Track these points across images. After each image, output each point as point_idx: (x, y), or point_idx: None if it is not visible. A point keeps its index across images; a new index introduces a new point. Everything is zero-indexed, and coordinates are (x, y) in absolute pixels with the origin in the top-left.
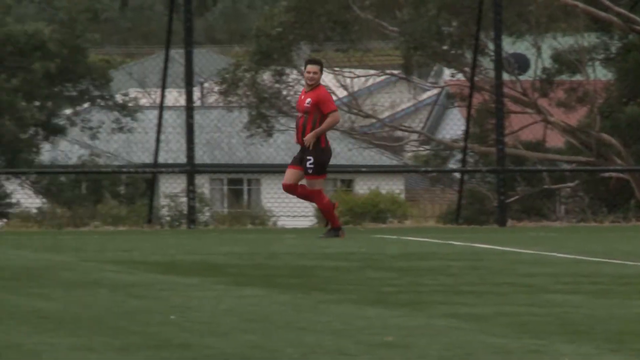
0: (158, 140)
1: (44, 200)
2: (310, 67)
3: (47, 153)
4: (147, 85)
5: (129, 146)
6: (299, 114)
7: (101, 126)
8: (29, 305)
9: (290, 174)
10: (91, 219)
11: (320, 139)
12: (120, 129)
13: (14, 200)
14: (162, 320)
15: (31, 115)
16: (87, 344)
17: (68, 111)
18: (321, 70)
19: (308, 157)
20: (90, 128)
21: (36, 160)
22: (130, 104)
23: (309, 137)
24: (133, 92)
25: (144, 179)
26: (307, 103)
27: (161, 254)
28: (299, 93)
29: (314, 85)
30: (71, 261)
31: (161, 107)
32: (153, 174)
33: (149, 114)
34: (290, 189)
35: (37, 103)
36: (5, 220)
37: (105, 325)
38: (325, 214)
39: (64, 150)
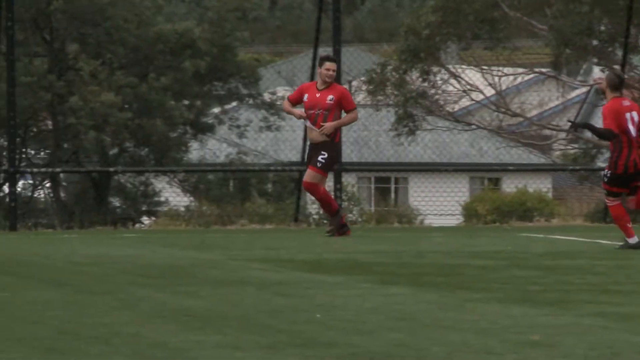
0: (305, 139)
1: (192, 198)
2: (329, 65)
3: (195, 151)
4: (296, 84)
5: (276, 144)
6: (314, 111)
7: (249, 124)
8: (176, 303)
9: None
10: (238, 217)
11: (337, 134)
12: (268, 127)
13: (162, 199)
14: (308, 318)
15: (180, 114)
16: (234, 342)
17: (216, 110)
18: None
19: (323, 152)
20: (238, 126)
21: (185, 158)
22: (278, 103)
23: (329, 126)
24: (281, 91)
25: (291, 177)
26: (330, 100)
27: (308, 252)
28: (445, 93)
29: (330, 82)
30: (218, 259)
31: None
32: (300, 172)
33: None
34: (312, 188)
35: (186, 102)
36: (153, 218)
37: (252, 323)
38: (325, 207)
39: (212, 149)
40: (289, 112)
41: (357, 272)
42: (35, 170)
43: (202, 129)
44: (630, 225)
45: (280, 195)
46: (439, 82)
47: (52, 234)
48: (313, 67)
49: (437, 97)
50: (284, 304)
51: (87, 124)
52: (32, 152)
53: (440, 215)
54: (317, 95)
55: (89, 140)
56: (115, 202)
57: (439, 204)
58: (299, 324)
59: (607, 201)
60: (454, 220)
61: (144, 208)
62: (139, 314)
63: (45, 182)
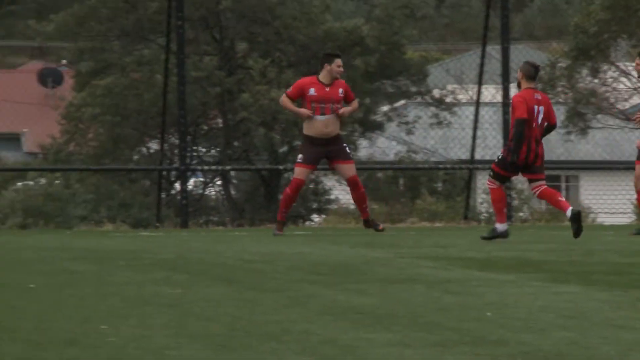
0: (474, 137)
1: None
2: (340, 61)
3: (364, 149)
4: (464, 82)
5: (445, 142)
6: (326, 105)
7: (417, 121)
8: (345, 300)
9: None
10: (407, 215)
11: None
12: (439, 124)
13: (332, 197)
14: (477, 316)
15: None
16: (403, 339)
17: (385, 107)
18: None
19: (343, 144)
20: (407, 123)
21: (354, 156)
22: (447, 99)
23: (347, 111)
24: (450, 88)
25: (461, 176)
26: (341, 93)
27: (477, 250)
28: (616, 91)
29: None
30: (387, 257)
31: (477, 104)
32: (470, 170)
33: (466, 110)
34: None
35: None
36: (323, 216)
37: (421, 321)
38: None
39: (381, 147)
40: (292, 109)
41: (527, 270)
42: (206, 168)
43: (371, 127)
44: (505, 211)
45: (450, 193)
46: (609, 80)
47: (222, 231)
48: (482, 65)
49: (607, 94)
50: (453, 301)
51: (256, 120)
52: (203, 150)
53: (612, 213)
54: (327, 89)
55: (259, 138)
56: None
57: (610, 202)
58: (468, 321)
59: (488, 183)
60: (626, 218)
61: (314, 206)
62: (308, 311)
63: (216, 179)
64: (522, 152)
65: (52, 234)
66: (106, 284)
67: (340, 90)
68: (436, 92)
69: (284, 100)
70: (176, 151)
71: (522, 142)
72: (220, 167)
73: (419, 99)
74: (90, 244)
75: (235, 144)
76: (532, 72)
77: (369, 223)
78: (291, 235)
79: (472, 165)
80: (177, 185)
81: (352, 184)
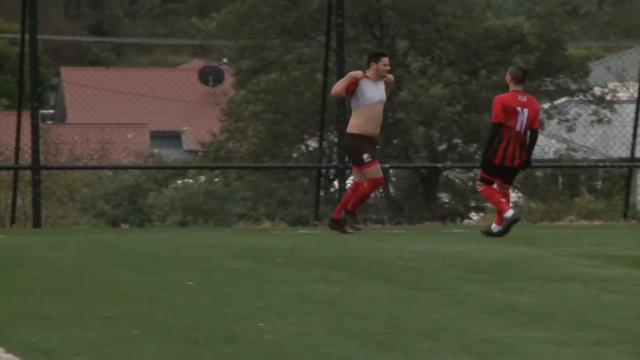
0: (635, 135)
1: (520, 194)
2: (387, 60)
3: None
4: (625, 79)
5: (605, 140)
6: (375, 102)
7: (577, 119)
8: (503, 299)
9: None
10: (566, 214)
11: None
12: (599, 121)
13: None
14: (637, 315)
15: None
16: (561, 338)
17: (545, 105)
18: None
19: (377, 145)
20: (567, 121)
21: None
22: (607, 97)
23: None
24: (611, 86)
25: (621, 174)
26: (385, 90)
27: (637, 248)
28: None
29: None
30: (546, 255)
31: (638, 101)
32: (630, 168)
33: (626, 108)
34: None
35: None
36: (481, 214)
37: (579, 319)
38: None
39: (540, 145)
40: (346, 79)
41: None
42: None
43: None
44: (504, 200)
45: (609, 192)
46: None
47: (381, 229)
48: None
49: None
50: (612, 300)
51: (415, 118)
52: None
53: None
54: (375, 89)
55: (418, 136)
56: (444, 197)
57: None
58: (628, 320)
59: (477, 185)
60: None
61: (472, 204)
62: (466, 310)
63: None
64: (507, 156)
65: (211, 231)
66: (264, 282)
67: (383, 88)
68: (597, 90)
69: (340, 86)
70: (335, 149)
71: (495, 144)
72: None
73: (579, 97)
74: (248, 242)
75: (394, 141)
76: (519, 75)
77: (338, 223)
78: (449, 233)
79: (632, 163)
80: (336, 183)
81: (381, 184)
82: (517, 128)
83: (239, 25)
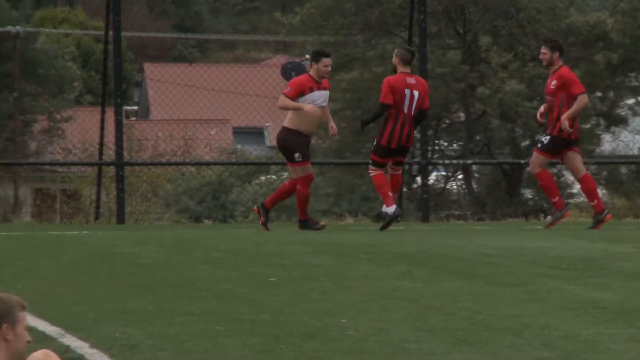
0: None
1: (604, 191)
2: (328, 61)
3: (607, 144)
4: None
5: None
6: (318, 103)
7: None
8: (586, 295)
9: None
10: None
11: None
12: None
13: (574, 191)
14: None
15: (592, 105)
16: None
17: (630, 101)
18: None
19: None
20: None
21: (596, 150)
22: None
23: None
24: None
25: None
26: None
27: None
28: None
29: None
30: (629, 252)
31: None
32: None
33: None
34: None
35: (598, 94)
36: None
37: None
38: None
39: (624, 141)
40: (298, 108)
41: None
42: (446, 162)
43: (615, 121)
44: (391, 194)
45: None
46: None
47: (463, 225)
48: None
49: None
50: None
51: (496, 113)
52: (445, 144)
53: None
54: (320, 87)
55: (500, 132)
56: (527, 193)
57: None
58: None
59: (370, 170)
60: None
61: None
62: (548, 306)
63: (458, 173)
64: (394, 137)
65: (293, 227)
66: (346, 278)
67: (326, 88)
68: None
69: (286, 101)
70: (418, 145)
71: (383, 126)
72: (461, 161)
73: None
74: (330, 238)
75: (477, 137)
76: (408, 57)
77: (308, 223)
78: (532, 229)
79: None
80: (419, 179)
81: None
82: (405, 109)
83: (322, 21)
